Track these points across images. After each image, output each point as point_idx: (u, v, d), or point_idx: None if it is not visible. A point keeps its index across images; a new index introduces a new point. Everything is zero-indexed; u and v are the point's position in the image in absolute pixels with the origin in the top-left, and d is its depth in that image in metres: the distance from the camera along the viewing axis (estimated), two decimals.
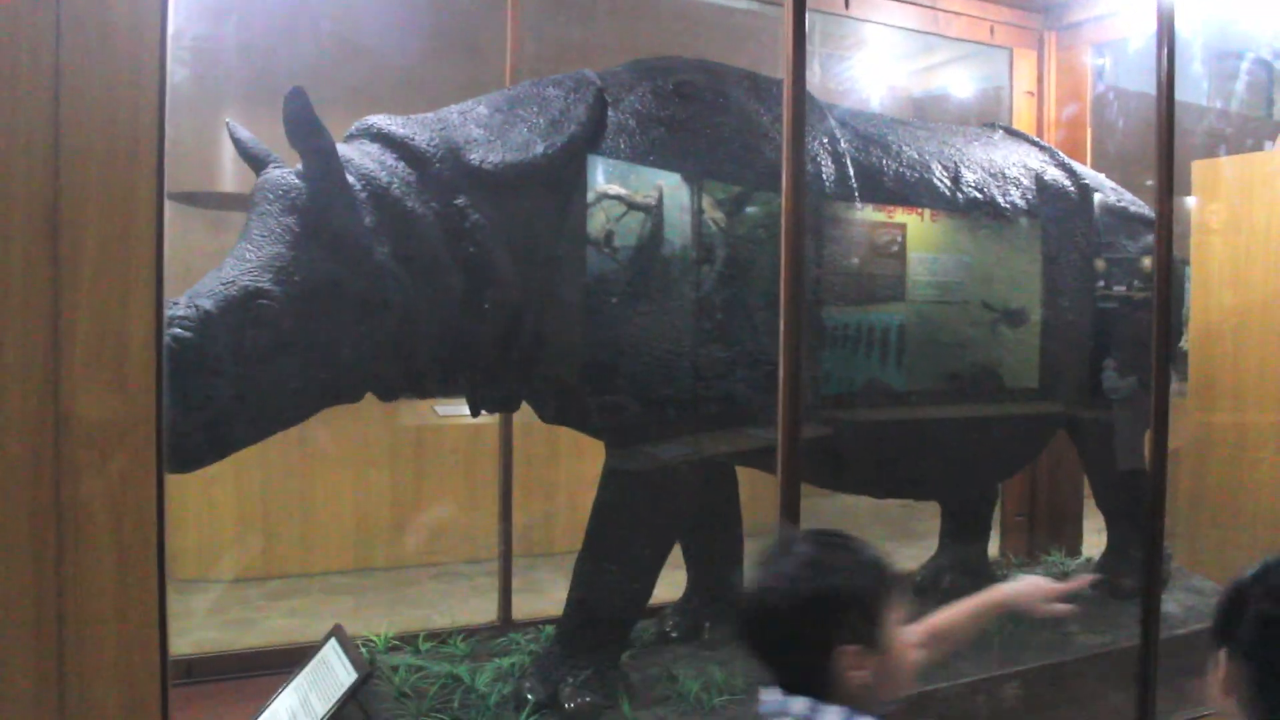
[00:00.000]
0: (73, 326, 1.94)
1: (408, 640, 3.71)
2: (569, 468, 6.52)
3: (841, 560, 1.80)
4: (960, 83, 6.76)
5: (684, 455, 3.20)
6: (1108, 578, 4.51)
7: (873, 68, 6.50)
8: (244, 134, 2.95)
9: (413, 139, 2.97)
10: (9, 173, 1.91)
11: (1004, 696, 3.56)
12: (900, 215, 3.59)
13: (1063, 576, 4.76)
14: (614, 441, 3.26)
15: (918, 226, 3.61)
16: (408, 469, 6.97)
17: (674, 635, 3.77)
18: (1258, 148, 5.98)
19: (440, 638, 3.75)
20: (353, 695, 2.90)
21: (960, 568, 4.51)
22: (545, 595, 4.54)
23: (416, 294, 2.87)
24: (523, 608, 4.18)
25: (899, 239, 3.58)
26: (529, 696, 3.12)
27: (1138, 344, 3.94)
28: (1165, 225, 3.54)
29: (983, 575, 4.57)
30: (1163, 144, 3.54)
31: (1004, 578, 4.70)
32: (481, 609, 4.27)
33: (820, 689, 1.69)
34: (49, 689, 1.94)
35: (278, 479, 6.43)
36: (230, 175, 5.31)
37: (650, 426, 3.18)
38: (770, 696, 1.72)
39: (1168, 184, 3.57)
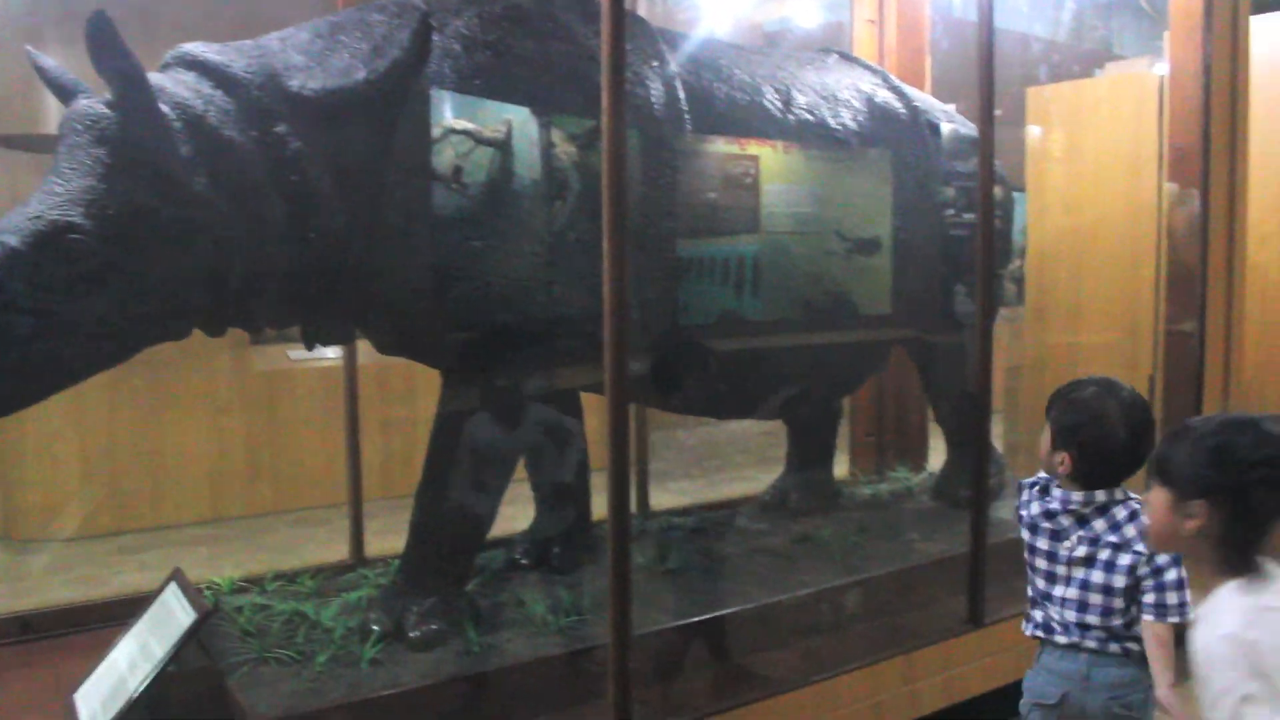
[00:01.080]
0: None
1: (255, 582, 3.67)
2: (429, 406, 6.49)
3: None
4: (805, 13, 6.85)
5: (518, 382, 3.22)
6: (947, 488, 4.71)
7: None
8: (48, 63, 2.81)
9: (229, 66, 2.87)
10: None
11: (846, 604, 3.70)
12: (737, 145, 3.63)
13: (906, 490, 4.97)
14: (449, 370, 3.25)
15: (752, 155, 3.65)
16: (261, 415, 6.85)
17: (524, 562, 3.80)
18: (1087, 75, 6.18)
19: (288, 577, 3.72)
20: (192, 636, 2.85)
21: (806, 486, 4.65)
22: (401, 535, 4.51)
23: (236, 224, 2.79)
24: (383, 547, 4.16)
25: (751, 170, 3.63)
26: (374, 627, 3.12)
27: (969, 265, 4.08)
28: (987, 148, 3.66)
29: (828, 493, 4.72)
30: (984, 69, 3.66)
31: (851, 495, 4.87)
32: (340, 552, 4.23)
33: None
34: None
35: (125, 431, 6.25)
36: (55, 116, 5.08)
37: (483, 355, 3.17)
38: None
39: (988, 108, 3.69)
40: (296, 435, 6.87)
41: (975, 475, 3.68)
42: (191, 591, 3.07)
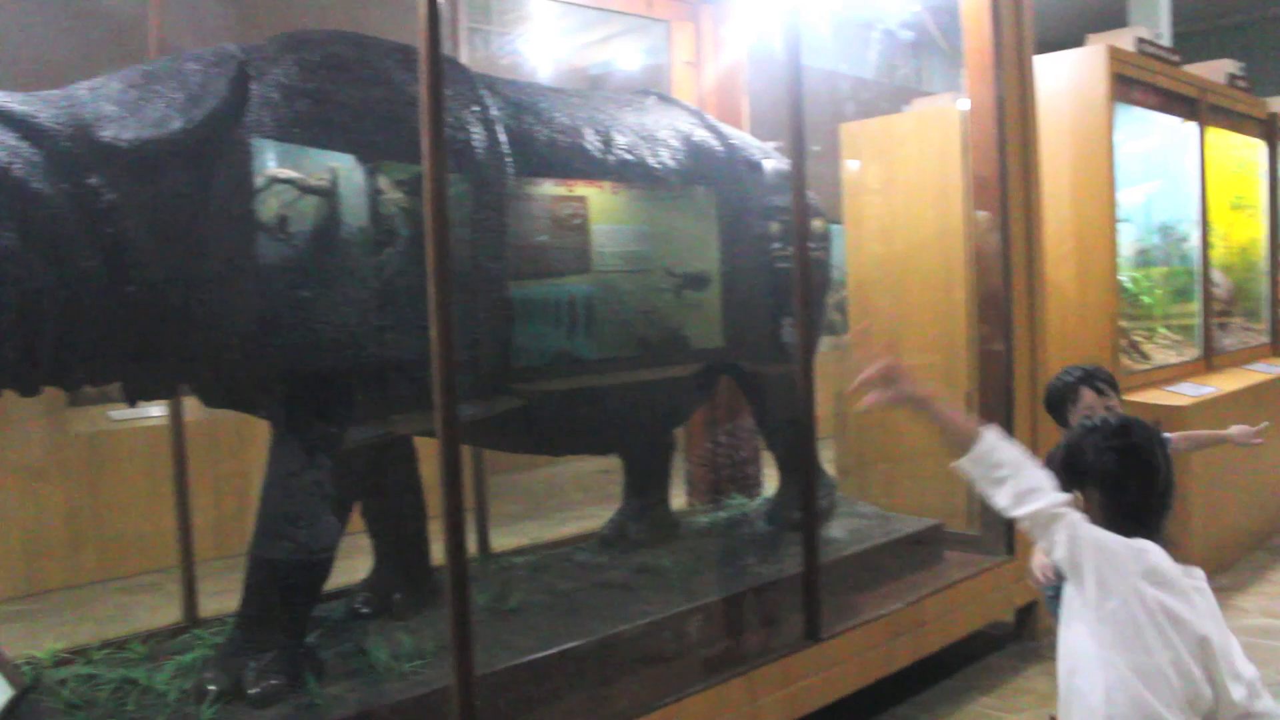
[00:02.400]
0: None
1: (80, 653, 3.51)
2: (259, 461, 6.32)
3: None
4: (625, 56, 7.00)
5: (351, 431, 3.20)
6: (780, 512, 4.85)
7: (538, 43, 6.64)
8: None
9: (35, 116, 2.79)
10: None
11: (687, 631, 3.77)
12: (581, 188, 3.70)
13: (743, 517, 5.10)
14: (278, 421, 3.21)
15: (598, 198, 3.73)
16: (82, 479, 6.55)
17: (364, 611, 3.75)
18: (898, 111, 6.50)
19: (117, 645, 3.58)
20: (8, 715, 2.73)
21: (643, 517, 4.72)
22: (234, 595, 4.39)
23: (48, 278, 2.71)
24: (218, 608, 4.03)
25: (579, 211, 3.70)
26: (211, 687, 3.02)
27: (788, 296, 4.23)
28: (799, 182, 3.82)
29: (666, 523, 4.81)
30: (793, 105, 3.83)
31: (688, 524, 4.97)
32: (170, 616, 4.08)
33: None
34: None
35: None
36: None
37: (314, 404, 3.15)
38: None
39: (799, 143, 3.85)
40: (121, 499, 6.60)
41: (806, 498, 3.81)
42: (8, 667, 2.94)
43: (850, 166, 6.29)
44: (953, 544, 4.96)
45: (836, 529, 4.74)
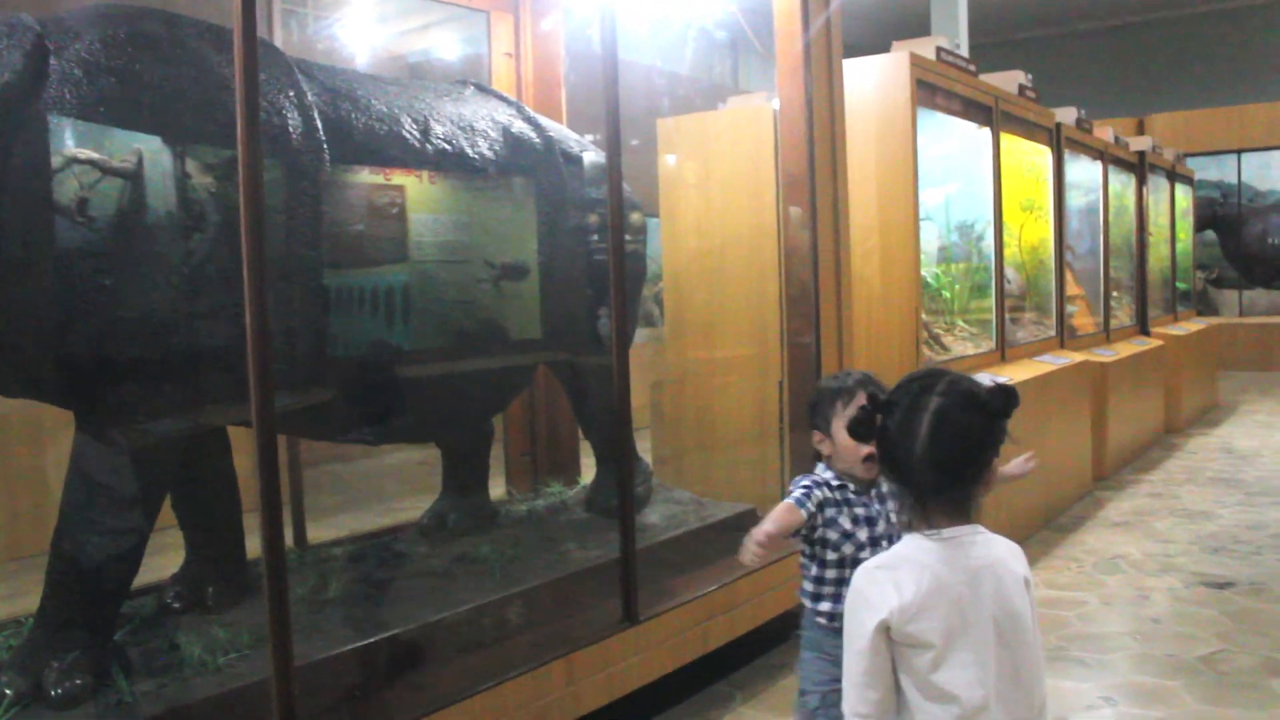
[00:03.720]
0: None
1: None
2: (32, 462, 6.01)
3: (836, 380, 2.98)
4: (447, 46, 6.97)
5: (158, 421, 3.11)
6: (598, 499, 4.94)
7: (359, 29, 6.54)
8: None
9: None
10: None
11: (508, 616, 3.81)
12: (398, 177, 3.68)
13: (561, 505, 5.16)
14: (79, 412, 3.09)
15: (386, 184, 3.71)
16: None
17: (176, 606, 3.64)
18: (714, 107, 6.66)
19: None
20: None
21: (462, 506, 4.73)
22: (28, 599, 4.20)
23: None
24: (11, 610, 3.84)
25: (396, 199, 3.68)
26: (7, 691, 2.90)
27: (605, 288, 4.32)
28: (615, 176, 3.90)
29: (485, 512, 4.83)
30: (609, 99, 3.91)
31: (508, 512, 5.00)
32: None
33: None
34: None
35: None
36: None
37: (119, 394, 3.05)
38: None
39: (615, 136, 3.93)
40: None
41: (622, 485, 3.90)
42: None
43: (667, 161, 6.43)
44: None
45: (653, 514, 4.86)
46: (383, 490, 7.90)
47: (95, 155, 2.97)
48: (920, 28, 11.50)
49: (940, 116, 6.87)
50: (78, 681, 2.94)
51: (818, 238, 5.11)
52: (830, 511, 2.87)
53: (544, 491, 5.42)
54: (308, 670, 3.01)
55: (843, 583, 2.79)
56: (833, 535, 2.87)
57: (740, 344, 5.97)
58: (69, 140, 2.94)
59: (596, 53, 4.11)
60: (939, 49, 6.76)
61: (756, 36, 6.97)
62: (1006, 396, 2.17)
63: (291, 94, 3.46)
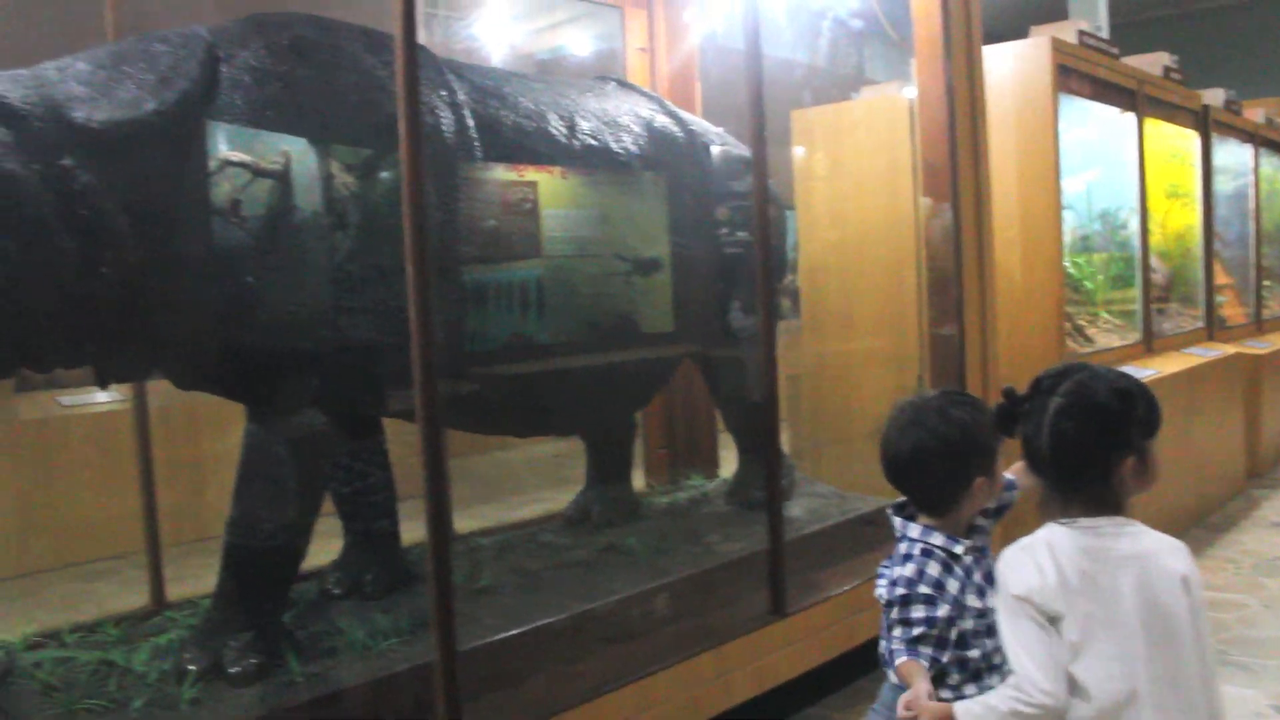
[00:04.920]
0: None
1: (52, 636, 3.51)
2: (213, 449, 6.29)
3: (969, 412, 2.36)
4: (578, 42, 7.05)
5: (323, 411, 3.23)
6: (741, 492, 4.95)
7: (493, 29, 6.66)
8: None
9: (5, 96, 2.78)
10: None
11: (655, 608, 3.85)
12: (523, 171, 3.74)
13: (702, 498, 5.19)
14: (253, 402, 3.23)
15: (540, 181, 3.76)
16: (33, 466, 6.48)
17: (336, 592, 3.78)
18: (844, 98, 6.60)
19: (89, 629, 3.57)
20: None
21: (606, 498, 4.79)
22: (199, 580, 4.39)
23: (23, 262, 2.70)
24: (176, 594, 4.03)
25: (525, 195, 3.74)
26: (190, 667, 3.05)
27: (749, 280, 4.33)
28: (760, 168, 3.91)
29: (629, 504, 4.88)
30: (753, 93, 3.91)
31: (650, 504, 5.04)
32: (132, 602, 4.07)
33: (945, 511, 2.32)
34: None
35: None
36: None
37: (289, 385, 3.17)
38: (898, 520, 2.39)
39: (760, 130, 3.94)
40: (73, 485, 6.53)
41: (769, 477, 3.91)
42: None
43: (801, 153, 6.40)
44: None
45: (796, 508, 4.85)
46: (518, 482, 8.05)
47: (264, 157, 3.09)
48: (1056, 11, 11.18)
49: (1080, 101, 6.68)
50: (252, 661, 3.08)
51: (960, 228, 5.03)
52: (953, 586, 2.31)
53: (684, 484, 5.45)
54: (463, 657, 3.09)
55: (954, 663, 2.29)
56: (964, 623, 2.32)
57: (877, 336, 5.92)
58: (240, 143, 3.06)
59: (729, 46, 4.11)
60: (1080, 32, 6.57)
61: (891, 25, 6.89)
62: (1124, 399, 2.17)
63: (444, 93, 3.54)
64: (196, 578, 4.37)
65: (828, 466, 5.95)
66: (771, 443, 3.98)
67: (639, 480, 5.53)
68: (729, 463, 5.72)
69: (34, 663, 3.20)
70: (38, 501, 6.49)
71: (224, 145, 3.05)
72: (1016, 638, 2.10)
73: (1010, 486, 2.52)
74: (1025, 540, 2.19)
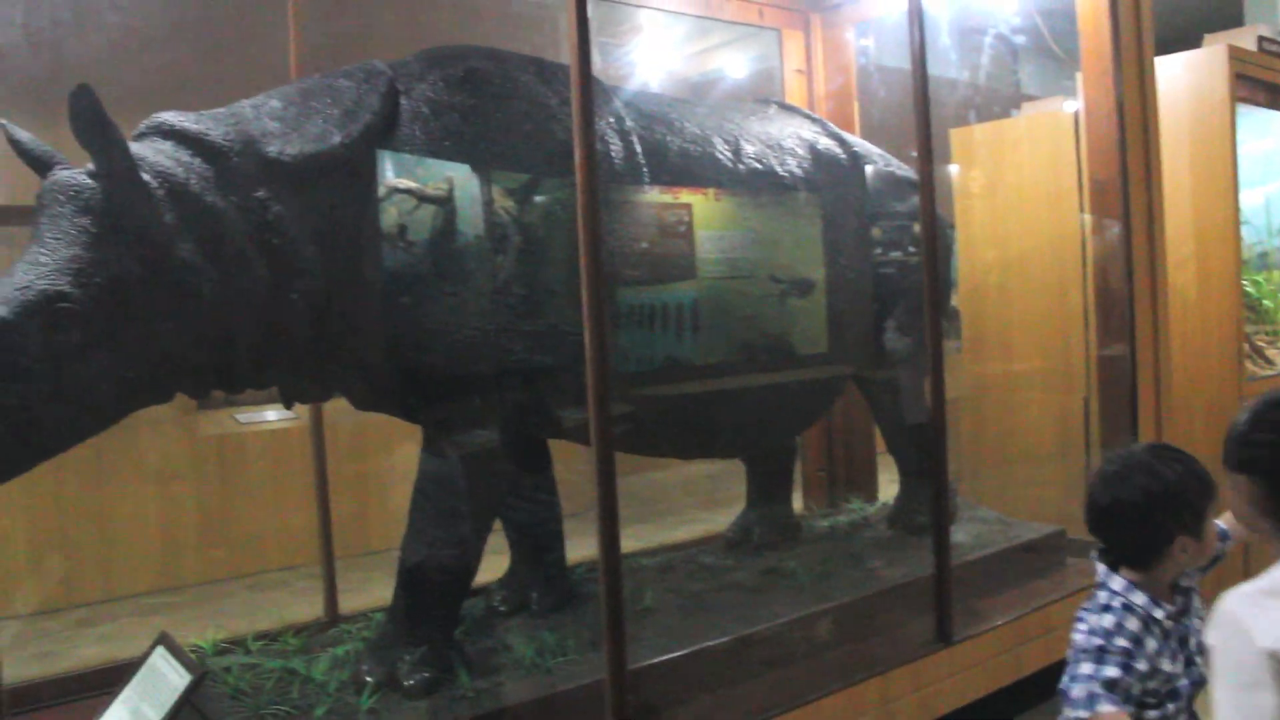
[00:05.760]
0: None
1: (238, 643, 3.68)
2: (379, 465, 6.51)
3: (1177, 470, 2.26)
4: (735, 64, 7.06)
5: (497, 433, 3.31)
6: (903, 516, 4.87)
7: (650, 53, 6.71)
8: (24, 135, 2.85)
9: (208, 134, 2.95)
10: None
11: (818, 632, 3.81)
12: (686, 195, 3.77)
13: (863, 520, 5.13)
14: (429, 424, 3.33)
15: (703, 204, 3.79)
16: (211, 480, 6.80)
17: (503, 609, 3.87)
18: (1005, 115, 6.47)
19: (270, 637, 3.74)
20: (189, 697, 2.88)
21: (767, 521, 4.78)
22: (367, 592, 4.54)
23: (222, 288, 2.85)
24: (347, 606, 4.19)
25: (686, 218, 3.77)
26: (367, 679, 3.16)
27: (914, 302, 4.27)
28: (928, 188, 3.86)
29: (789, 526, 4.85)
30: (920, 113, 3.87)
31: (810, 527, 5.01)
32: (304, 612, 4.24)
33: (1146, 566, 2.27)
34: None
35: (72, 503, 6.17)
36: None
37: (463, 407, 3.26)
38: (1101, 567, 2.35)
39: (927, 150, 3.89)
40: (248, 498, 6.84)
41: (936, 501, 3.84)
42: (182, 654, 3.09)
43: (961, 171, 6.28)
44: (1074, 550, 4.92)
45: (959, 533, 4.74)
46: (673, 502, 8.08)
47: (442, 187, 3.20)
48: (1230, 17, 10.71)
49: (1259, 110, 6.38)
50: (426, 674, 3.17)
51: (1131, 246, 4.86)
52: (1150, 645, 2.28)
53: (844, 507, 5.39)
54: (630, 676, 3.11)
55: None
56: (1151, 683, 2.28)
57: (1041, 357, 5.76)
58: (419, 174, 3.17)
59: (887, 65, 4.07)
60: (1261, 38, 6.29)
61: (1054, 39, 6.72)
62: None
63: (612, 120, 3.61)
64: (364, 590, 4.53)
65: (989, 491, 5.81)
66: (939, 467, 3.90)
67: (797, 502, 5.50)
68: (886, 485, 5.64)
69: (224, 668, 3.37)
70: (216, 513, 6.81)
71: (403, 175, 3.16)
72: (1223, 701, 1.82)
73: (1223, 536, 2.41)
74: (1264, 582, 1.88)
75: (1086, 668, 2.22)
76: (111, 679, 3.32)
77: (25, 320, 2.54)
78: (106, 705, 3.13)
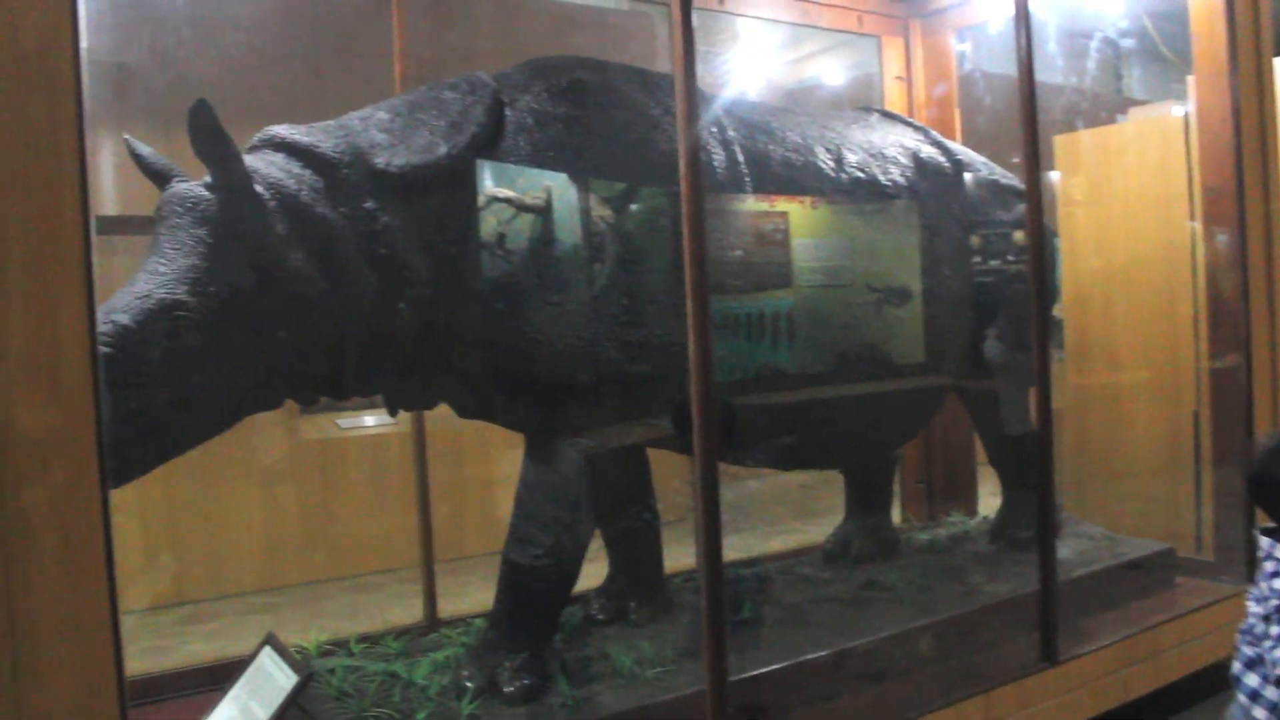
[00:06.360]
0: (5, 342, 1.97)
1: (340, 645, 3.75)
2: (475, 471, 6.58)
3: None
4: (833, 72, 7.01)
5: (599, 442, 3.32)
6: (1006, 531, 4.77)
7: (749, 61, 6.70)
8: (145, 149, 2.95)
9: (318, 146, 3.02)
10: None
11: (919, 648, 3.76)
12: (782, 203, 3.74)
13: (964, 534, 5.04)
14: (532, 432, 3.35)
15: (800, 213, 3.76)
16: (313, 483, 6.95)
17: (601, 618, 3.87)
18: (1111, 121, 6.32)
19: (372, 640, 3.80)
20: (296, 697, 2.94)
21: (866, 533, 4.71)
22: (464, 597, 4.60)
23: (333, 298, 2.92)
24: (444, 610, 4.24)
25: (782, 226, 3.74)
26: (468, 684, 3.20)
27: (1017, 312, 4.19)
28: (1034, 196, 3.79)
29: (889, 539, 4.79)
30: (1027, 119, 3.79)
31: (909, 540, 4.94)
32: (403, 615, 4.31)
33: None
34: (4, 701, 1.95)
35: (181, 503, 6.35)
36: (110, 198, 5.23)
37: (566, 416, 3.28)
38: (1266, 540, 2.40)
39: (1034, 157, 3.82)
40: (348, 502, 6.97)
41: (1042, 515, 3.75)
42: (288, 655, 3.16)
43: (1065, 178, 6.15)
44: (1184, 569, 4.78)
45: (1063, 549, 4.62)
46: (767, 512, 8.03)
47: (544, 196, 3.22)
48: None
49: None
50: (526, 681, 3.19)
51: (1246, 254, 4.71)
52: None
53: (944, 520, 5.30)
54: (730, 688, 3.10)
55: None
56: None
57: (1148, 369, 5.60)
58: (521, 184, 3.20)
59: (990, 71, 4.00)
60: None
61: (1163, 41, 6.55)
62: None
63: (714, 129, 3.60)
64: (462, 594, 4.58)
65: (1094, 506, 5.66)
66: (1046, 480, 3.82)
67: (896, 515, 5.42)
68: (986, 499, 5.54)
69: (328, 669, 3.43)
70: (317, 516, 6.95)
71: (508, 186, 3.19)
72: None
73: None
74: None
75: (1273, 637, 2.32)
76: (219, 676, 3.40)
77: (145, 328, 2.62)
78: (217, 701, 3.21)
